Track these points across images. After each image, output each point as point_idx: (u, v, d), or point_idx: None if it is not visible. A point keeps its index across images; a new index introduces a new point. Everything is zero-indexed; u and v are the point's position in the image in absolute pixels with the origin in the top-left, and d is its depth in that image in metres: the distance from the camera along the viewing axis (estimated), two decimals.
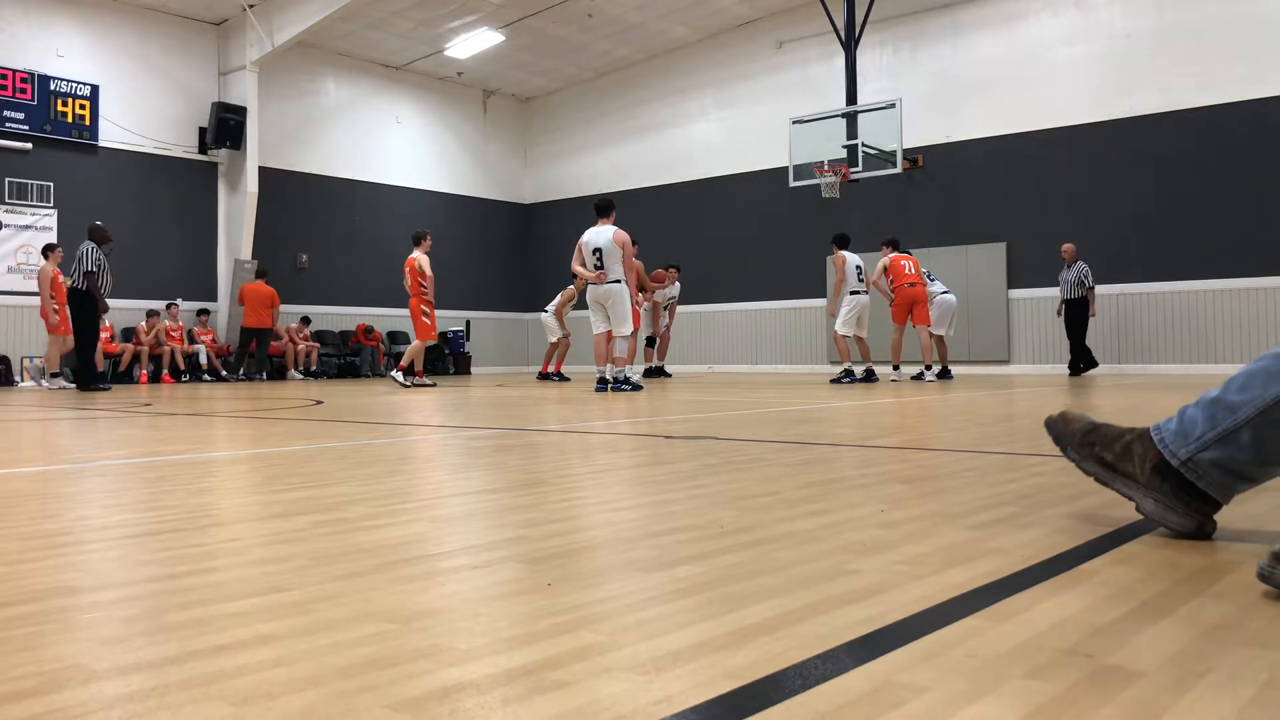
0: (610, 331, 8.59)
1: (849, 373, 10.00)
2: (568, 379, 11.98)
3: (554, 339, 12.11)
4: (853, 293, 10.19)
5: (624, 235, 8.54)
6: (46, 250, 11.23)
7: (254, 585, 1.32)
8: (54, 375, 11.10)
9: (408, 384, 10.12)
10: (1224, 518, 1.69)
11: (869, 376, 10.17)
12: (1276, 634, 1.05)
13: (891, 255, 10.58)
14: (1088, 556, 1.46)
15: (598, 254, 8.48)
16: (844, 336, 10.19)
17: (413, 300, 10.36)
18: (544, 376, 12.02)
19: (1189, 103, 12.38)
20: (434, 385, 10.45)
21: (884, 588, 1.26)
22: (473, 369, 18.24)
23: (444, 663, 0.96)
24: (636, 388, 8.52)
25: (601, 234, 8.53)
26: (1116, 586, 1.27)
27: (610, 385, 8.49)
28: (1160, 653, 0.98)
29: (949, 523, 1.75)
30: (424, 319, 10.32)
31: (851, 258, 10.25)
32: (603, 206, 8.70)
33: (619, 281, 8.50)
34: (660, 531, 1.69)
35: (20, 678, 0.93)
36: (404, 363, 10.36)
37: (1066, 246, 12.11)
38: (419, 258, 10.32)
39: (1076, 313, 11.94)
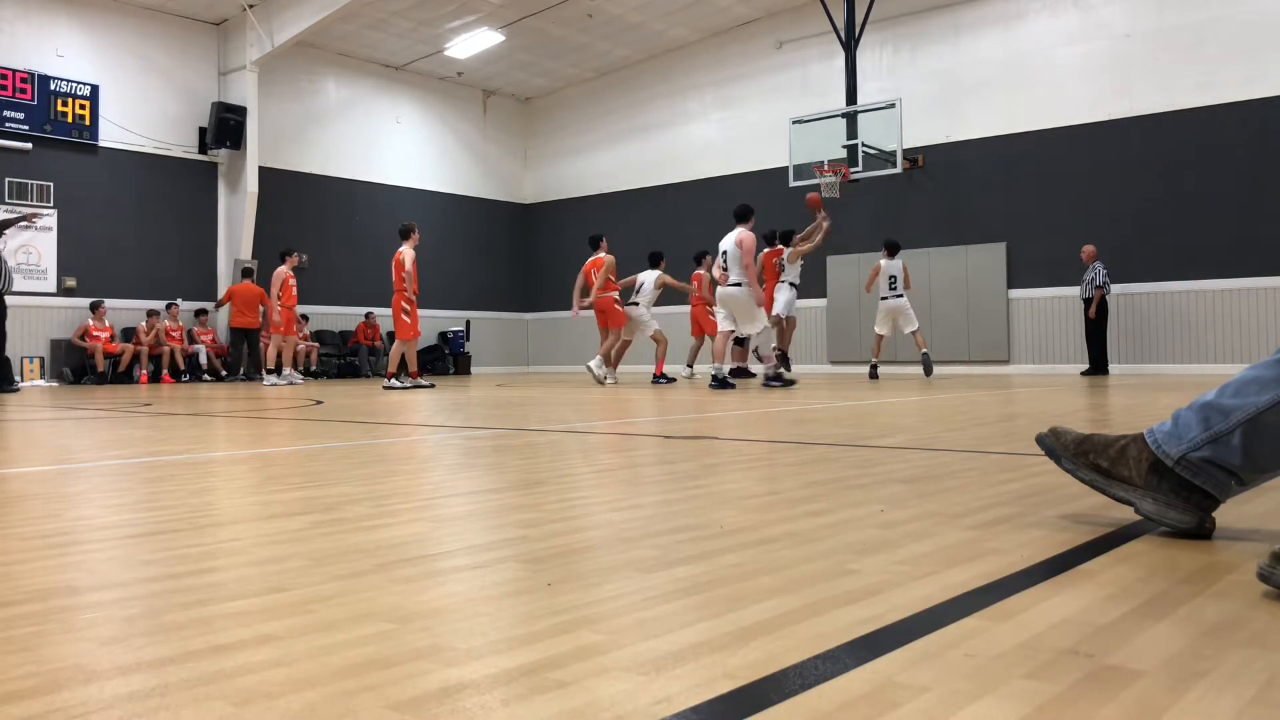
0: (731, 331, 8.89)
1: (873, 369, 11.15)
2: (673, 380, 10.77)
3: (648, 333, 10.91)
4: (882, 298, 11.08)
5: (748, 237, 8.60)
6: (284, 254, 11.99)
7: (254, 585, 1.32)
8: (270, 371, 12.11)
9: (404, 385, 9.86)
10: (1224, 518, 1.69)
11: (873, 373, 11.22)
12: (1276, 634, 1.05)
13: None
14: (1088, 556, 1.46)
15: (724, 256, 8.74)
16: (879, 335, 11.23)
17: (395, 297, 10.01)
18: (657, 379, 10.51)
19: (1189, 103, 12.37)
20: (432, 386, 10.29)
21: (884, 588, 1.26)
22: (473, 369, 18.23)
23: (444, 663, 0.96)
24: (790, 383, 8.78)
25: (731, 237, 8.73)
26: (1116, 586, 1.27)
27: (765, 381, 8.77)
28: (1160, 653, 0.98)
29: (949, 523, 1.75)
30: (404, 317, 9.96)
31: (888, 266, 11.01)
32: (740, 214, 8.76)
33: (740, 285, 8.64)
34: (660, 531, 1.69)
35: (20, 678, 0.93)
36: (391, 369, 10.05)
37: (1086, 248, 12.23)
38: (405, 252, 9.96)
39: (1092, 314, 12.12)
